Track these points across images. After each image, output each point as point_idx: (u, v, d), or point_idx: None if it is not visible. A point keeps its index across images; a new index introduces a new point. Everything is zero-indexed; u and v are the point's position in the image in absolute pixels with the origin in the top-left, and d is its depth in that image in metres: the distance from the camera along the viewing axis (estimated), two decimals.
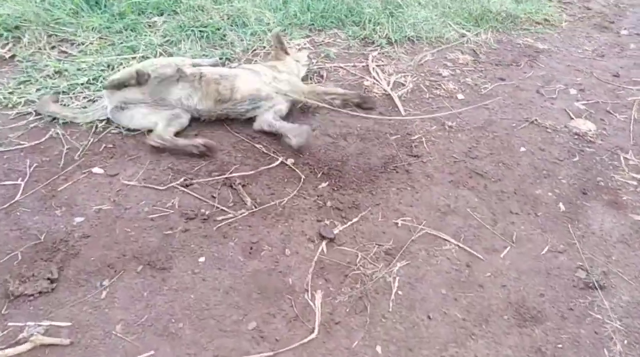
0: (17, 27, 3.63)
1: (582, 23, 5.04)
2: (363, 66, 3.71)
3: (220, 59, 3.62)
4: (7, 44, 3.55)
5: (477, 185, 2.59)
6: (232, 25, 3.99)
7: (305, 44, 3.98)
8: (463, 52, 4.03)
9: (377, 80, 3.50)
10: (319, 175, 2.58)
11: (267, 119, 2.88)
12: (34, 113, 2.90)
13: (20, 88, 3.09)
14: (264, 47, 3.82)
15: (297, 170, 2.60)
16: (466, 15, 4.61)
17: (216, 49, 3.72)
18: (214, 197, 2.38)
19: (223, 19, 3.99)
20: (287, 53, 3.33)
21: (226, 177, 2.49)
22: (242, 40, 3.86)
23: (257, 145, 2.78)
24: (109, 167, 2.52)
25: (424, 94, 3.42)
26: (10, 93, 3.04)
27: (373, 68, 3.65)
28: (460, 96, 3.42)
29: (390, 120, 3.09)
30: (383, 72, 3.64)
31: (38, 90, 3.09)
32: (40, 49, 3.52)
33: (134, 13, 3.90)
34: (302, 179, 2.53)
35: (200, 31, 3.83)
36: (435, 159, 2.77)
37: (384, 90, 3.40)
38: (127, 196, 2.34)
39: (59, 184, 2.39)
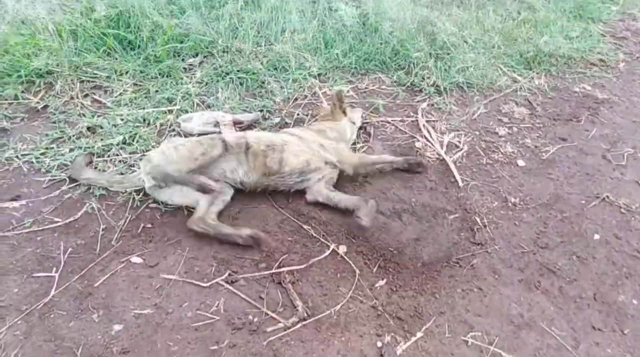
0: (49, 72, 3.46)
1: None
2: (412, 121, 3.46)
3: (261, 111, 3.40)
4: (40, 91, 3.39)
5: (551, 287, 2.33)
6: (271, 70, 3.77)
7: (348, 90, 3.73)
8: (518, 104, 3.75)
9: (429, 141, 3.24)
10: (374, 269, 2.35)
11: (321, 190, 2.67)
12: (68, 180, 2.73)
13: (53, 147, 2.93)
14: (306, 96, 3.59)
15: (350, 261, 2.37)
16: (517, 57, 4.32)
17: (255, 99, 3.51)
18: (262, 298, 2.16)
19: (262, 63, 3.77)
20: (345, 114, 3.09)
21: (274, 272, 2.27)
22: (282, 88, 3.64)
23: (305, 226, 2.56)
24: (148, 254, 2.33)
25: (480, 159, 3.16)
26: (42, 154, 2.88)
27: (424, 125, 3.40)
28: (520, 162, 3.15)
29: (447, 193, 2.84)
30: (435, 129, 3.38)
31: (71, 150, 2.92)
32: (72, 97, 3.35)
33: (169, 56, 3.69)
34: (356, 274, 2.30)
35: (238, 77, 3.61)
36: (501, 248, 2.52)
37: (438, 154, 3.14)
38: (169, 295, 2.14)
39: (96, 276, 2.20)
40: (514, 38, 4.55)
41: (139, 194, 2.65)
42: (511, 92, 3.89)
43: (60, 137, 3.02)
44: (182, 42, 3.74)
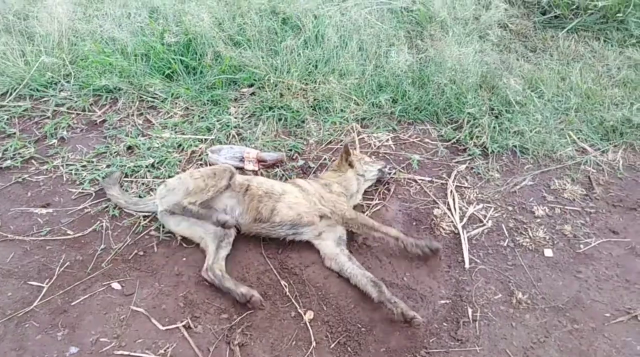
0: (117, 89, 3.84)
1: None
2: (442, 183, 3.24)
3: (290, 150, 3.44)
4: (105, 105, 3.78)
5: None
6: (314, 110, 3.79)
7: (387, 140, 3.61)
8: (574, 181, 3.32)
9: (449, 210, 3.02)
10: (332, 345, 2.26)
11: (337, 256, 2.60)
12: (94, 194, 3.01)
13: (93, 161, 3.25)
14: (341, 140, 3.55)
15: (311, 331, 2.30)
16: (595, 124, 3.81)
17: (290, 137, 3.56)
18: (209, 350, 2.19)
19: (308, 101, 3.80)
20: (351, 166, 3.02)
21: (231, 327, 2.29)
22: (319, 129, 3.64)
23: (283, 282, 2.55)
24: (129, 282, 2.49)
25: (502, 240, 2.87)
26: (83, 166, 3.21)
27: (451, 191, 3.17)
28: (548, 252, 2.80)
29: (447, 274, 2.62)
30: (462, 197, 3.13)
31: (108, 166, 3.22)
32: (129, 115, 3.69)
33: (223, 86, 3.89)
34: (312, 346, 2.23)
35: (280, 113, 3.69)
36: (483, 351, 2.26)
37: (454, 226, 2.92)
38: (129, 328, 2.28)
39: (77, 295, 2.42)
40: (599, 101, 4.03)
41: (145, 220, 2.84)
42: (572, 165, 3.46)
43: (104, 152, 3.34)
44: (235, 74, 3.91)
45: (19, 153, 3.26)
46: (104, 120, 3.63)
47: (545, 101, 3.89)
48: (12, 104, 3.69)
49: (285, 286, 2.52)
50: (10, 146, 3.28)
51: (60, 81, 3.92)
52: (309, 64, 4.03)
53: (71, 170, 3.17)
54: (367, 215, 2.98)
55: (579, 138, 3.68)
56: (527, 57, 4.54)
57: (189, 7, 4.17)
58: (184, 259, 2.65)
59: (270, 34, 4.16)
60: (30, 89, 3.81)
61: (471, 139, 3.58)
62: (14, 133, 3.44)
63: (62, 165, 3.21)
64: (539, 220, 3.00)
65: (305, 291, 2.51)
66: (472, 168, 3.38)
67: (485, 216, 3.01)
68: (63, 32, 4.08)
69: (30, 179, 3.11)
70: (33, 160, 3.25)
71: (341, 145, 3.53)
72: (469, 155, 3.48)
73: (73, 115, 3.67)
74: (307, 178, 3.10)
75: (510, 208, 3.08)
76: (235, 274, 2.57)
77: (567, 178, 3.33)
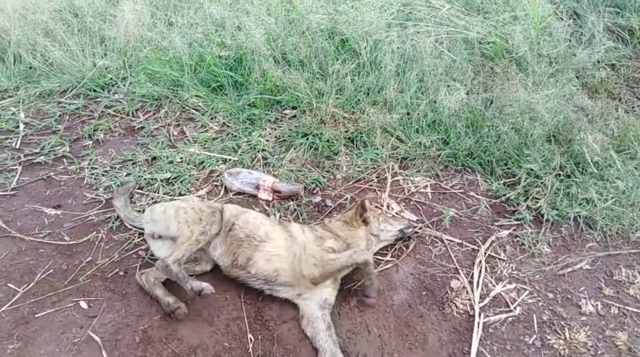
0: (166, 97, 3.86)
1: None
2: (473, 250, 2.75)
3: (312, 183, 3.16)
4: (149, 112, 3.82)
5: None
6: (351, 142, 3.47)
7: (426, 186, 3.18)
8: None
9: (470, 284, 2.53)
10: None
11: (315, 318, 2.29)
12: (104, 202, 3.00)
13: (116, 168, 3.25)
14: (371, 180, 3.20)
15: None
16: None
17: (316, 169, 3.28)
18: None
19: (347, 131, 3.49)
20: (365, 223, 2.65)
21: None
22: (350, 164, 3.31)
23: (250, 335, 2.28)
24: (97, 303, 2.40)
25: (527, 336, 2.32)
26: (105, 171, 3.24)
27: (481, 260, 2.66)
28: None
29: None
30: (492, 271, 2.62)
31: (128, 175, 3.20)
32: (167, 124, 3.67)
33: (265, 106, 3.73)
34: None
35: (312, 141, 3.43)
36: None
37: (471, 306, 2.43)
38: (78, 354, 2.17)
39: (45, 307, 2.37)
40: None
41: (140, 237, 2.75)
42: None
43: (130, 160, 3.34)
44: (279, 94, 3.73)
45: (54, 150, 3.37)
46: (142, 127, 3.65)
47: (635, 166, 3.16)
48: (67, 101, 3.88)
49: (251, 341, 2.25)
50: (48, 143, 3.41)
51: (117, 83, 4.04)
52: (359, 91, 3.71)
53: (93, 174, 3.20)
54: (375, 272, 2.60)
55: None
56: (632, 107, 3.79)
57: (247, 21, 4.08)
58: None
59: (325, 55, 3.91)
60: (88, 89, 3.96)
61: (525, 200, 3.01)
62: (59, 130, 3.58)
63: (88, 168, 3.25)
64: (584, 318, 2.39)
65: (271, 351, 2.22)
66: (516, 236, 2.83)
67: (514, 300, 2.47)
68: (130, 36, 4.21)
69: (55, 177, 3.19)
70: (64, 159, 3.34)
71: (370, 185, 3.17)
72: (517, 219, 2.93)
73: (117, 119, 3.75)
74: (314, 224, 2.78)
75: (550, 295, 2.50)
76: (205, 315, 2.36)
77: (639, 268, 2.64)
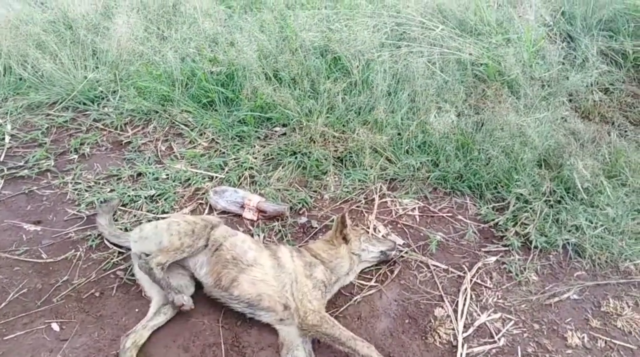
0: (155, 111, 3.82)
1: None
2: (459, 276, 2.69)
3: (299, 203, 3.11)
4: (138, 126, 3.78)
5: None
6: (340, 162, 3.42)
7: (414, 209, 3.13)
8: (639, 304, 2.56)
9: (454, 315, 2.46)
10: None
11: (295, 346, 2.22)
12: (85, 219, 2.94)
13: (99, 183, 3.20)
14: (359, 201, 3.15)
15: None
16: None
17: (303, 189, 3.23)
18: None
19: (336, 150, 3.45)
20: (346, 241, 2.60)
21: None
22: (338, 184, 3.26)
23: None
24: (69, 326, 2.34)
25: None
26: (89, 187, 3.18)
27: (466, 288, 2.60)
28: None
29: None
30: (477, 299, 2.56)
31: (111, 191, 3.15)
32: (155, 140, 3.63)
33: (255, 123, 3.69)
34: None
35: (301, 160, 3.38)
36: None
37: (454, 336, 2.36)
38: None
39: (16, 329, 2.31)
40: None
41: (118, 256, 2.69)
42: None
43: (115, 175, 3.29)
44: (265, 112, 3.70)
45: (38, 164, 3.32)
46: (130, 142, 3.60)
47: (626, 193, 3.12)
48: (56, 114, 3.84)
49: None
50: (33, 156, 3.36)
51: (107, 97, 4.01)
52: (349, 110, 3.68)
53: (76, 189, 3.15)
54: (356, 299, 2.54)
55: None
56: (625, 131, 3.76)
57: (240, 37, 4.06)
58: (137, 310, 2.43)
59: (317, 74, 3.89)
60: (77, 102, 3.92)
61: (514, 225, 2.97)
62: (45, 143, 3.53)
63: (71, 183, 3.20)
64: (570, 351, 2.32)
65: None
66: (503, 263, 2.77)
67: (499, 330, 2.41)
68: (122, 49, 4.19)
69: (37, 192, 3.14)
70: (48, 173, 3.29)
71: (357, 206, 3.12)
72: (505, 245, 2.88)
73: (105, 133, 3.70)
74: (297, 246, 2.72)
75: (536, 326, 2.44)
76: (180, 341, 2.29)
77: (628, 299, 2.59)
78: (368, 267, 2.72)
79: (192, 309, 2.29)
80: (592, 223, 2.92)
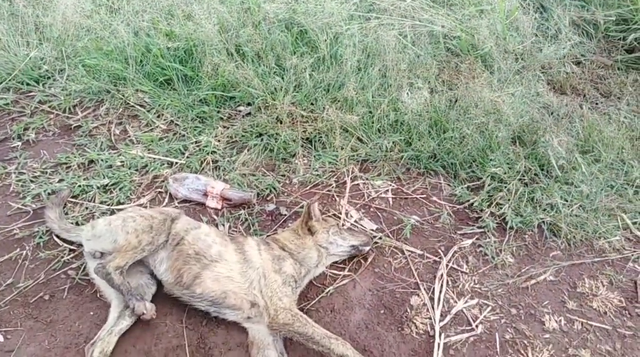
0: (107, 91, 3.52)
1: None
2: (435, 261, 2.59)
3: (266, 189, 2.93)
4: (88, 108, 3.48)
5: None
6: (309, 143, 3.24)
7: (387, 191, 3.00)
8: (613, 283, 2.53)
9: (431, 301, 2.37)
10: None
11: (266, 345, 2.09)
12: (31, 213, 2.69)
13: (47, 173, 2.93)
14: (330, 184, 2.99)
15: None
16: None
17: (271, 173, 3.04)
18: None
19: (305, 131, 3.26)
20: (311, 233, 2.45)
21: None
22: (307, 167, 3.09)
23: None
24: (16, 335, 2.13)
25: (490, 356, 2.18)
26: (35, 177, 2.91)
27: (442, 274, 2.51)
28: None
29: None
30: (454, 285, 2.47)
31: (60, 181, 2.89)
32: (108, 123, 3.35)
33: (218, 103, 3.45)
34: None
35: (267, 143, 3.18)
36: None
37: (431, 325, 2.27)
38: None
39: None
40: None
41: (69, 254, 2.47)
42: (616, 261, 2.66)
43: (64, 163, 3.03)
44: (227, 91, 3.45)
45: None
46: (80, 126, 3.31)
47: (599, 169, 3.06)
48: None
49: None
50: None
51: (54, 76, 3.67)
52: (317, 87, 3.47)
53: (20, 180, 2.87)
54: (329, 291, 2.41)
55: (634, 224, 2.85)
56: (595, 104, 3.71)
57: (199, 9, 3.76)
58: (91, 313, 2.24)
59: (282, 48, 3.64)
60: (19, 82, 3.58)
61: (489, 206, 2.88)
62: None
63: (15, 173, 2.92)
64: (547, 336, 2.27)
65: None
66: (479, 246, 2.69)
67: (476, 317, 2.33)
68: (68, 23, 3.82)
69: None
70: None
71: (328, 191, 2.96)
72: (480, 227, 2.79)
73: (52, 116, 3.40)
74: (264, 237, 2.55)
75: (513, 311, 2.38)
76: (141, 345, 2.12)
77: (603, 278, 2.55)
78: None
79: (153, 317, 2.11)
80: (567, 201, 2.86)
